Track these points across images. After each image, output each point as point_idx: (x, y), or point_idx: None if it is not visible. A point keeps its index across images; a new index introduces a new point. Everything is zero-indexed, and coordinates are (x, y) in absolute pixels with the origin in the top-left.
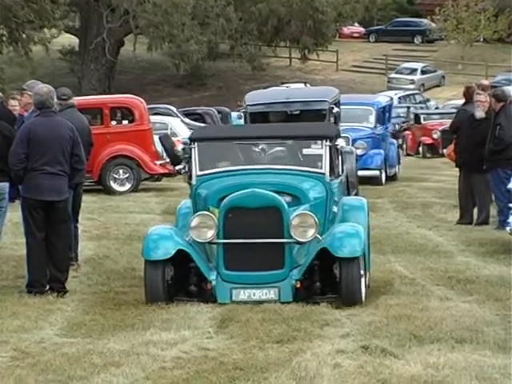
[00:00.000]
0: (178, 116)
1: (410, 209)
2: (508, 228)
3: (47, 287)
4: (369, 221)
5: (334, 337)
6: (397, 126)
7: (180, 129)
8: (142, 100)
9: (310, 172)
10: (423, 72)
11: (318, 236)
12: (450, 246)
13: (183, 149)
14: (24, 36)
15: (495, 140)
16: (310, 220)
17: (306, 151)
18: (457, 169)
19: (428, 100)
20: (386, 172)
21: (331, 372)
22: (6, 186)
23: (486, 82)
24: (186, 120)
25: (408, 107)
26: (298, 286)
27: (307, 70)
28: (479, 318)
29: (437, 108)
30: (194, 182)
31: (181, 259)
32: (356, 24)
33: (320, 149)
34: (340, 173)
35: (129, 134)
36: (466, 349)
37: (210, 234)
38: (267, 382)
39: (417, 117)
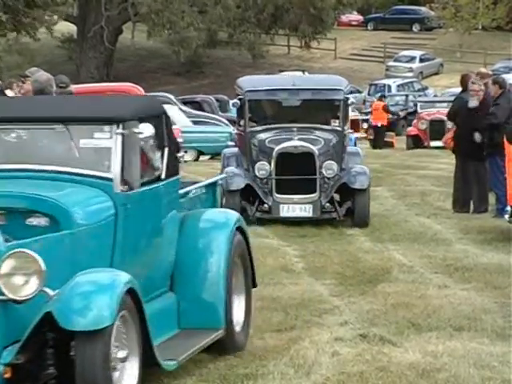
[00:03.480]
0: (176, 104)
1: (409, 197)
2: (506, 216)
3: None
4: (245, 249)
5: (332, 325)
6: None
7: (178, 117)
8: (140, 88)
9: (85, 176)
10: (421, 60)
11: (46, 291)
12: (448, 233)
13: None
14: (27, 21)
15: (489, 115)
16: (31, 264)
17: (84, 142)
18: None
19: (426, 88)
20: None
21: (329, 360)
22: None
23: (484, 70)
24: (185, 108)
25: (406, 95)
26: (8, 375)
27: (305, 58)
28: (477, 306)
29: (435, 96)
30: None
31: None
32: (354, 12)
33: (107, 139)
34: (163, 176)
35: None
36: (464, 337)
37: None
38: (265, 369)
39: (416, 105)
